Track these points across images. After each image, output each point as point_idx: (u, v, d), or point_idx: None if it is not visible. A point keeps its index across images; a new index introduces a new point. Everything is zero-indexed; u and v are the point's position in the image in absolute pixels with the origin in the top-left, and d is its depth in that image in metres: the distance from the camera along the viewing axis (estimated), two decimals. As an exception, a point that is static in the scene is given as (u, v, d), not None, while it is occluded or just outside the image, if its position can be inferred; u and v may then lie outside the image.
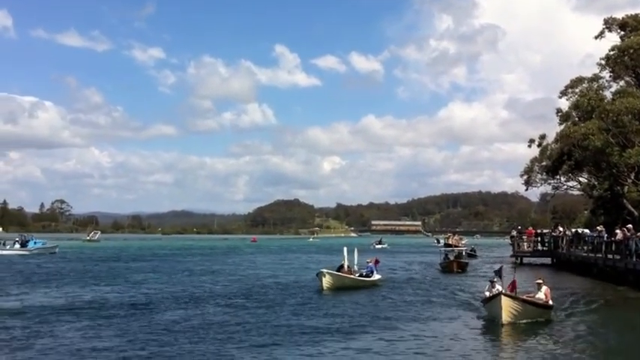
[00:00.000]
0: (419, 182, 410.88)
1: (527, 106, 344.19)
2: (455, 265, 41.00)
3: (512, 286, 19.44)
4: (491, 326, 18.01)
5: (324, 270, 28.27)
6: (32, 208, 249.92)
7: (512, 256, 52.86)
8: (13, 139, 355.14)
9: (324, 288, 27.15)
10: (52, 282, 31.75)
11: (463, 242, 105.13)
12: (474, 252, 43.78)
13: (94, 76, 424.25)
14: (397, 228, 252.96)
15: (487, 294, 19.62)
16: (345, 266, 29.94)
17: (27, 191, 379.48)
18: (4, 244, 62.62)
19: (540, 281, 19.79)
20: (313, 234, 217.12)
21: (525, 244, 51.02)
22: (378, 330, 17.45)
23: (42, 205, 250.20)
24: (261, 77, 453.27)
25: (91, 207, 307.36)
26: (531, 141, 55.20)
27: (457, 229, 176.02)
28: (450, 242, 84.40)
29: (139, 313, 20.29)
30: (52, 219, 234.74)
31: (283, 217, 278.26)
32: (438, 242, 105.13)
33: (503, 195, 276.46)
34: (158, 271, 40.76)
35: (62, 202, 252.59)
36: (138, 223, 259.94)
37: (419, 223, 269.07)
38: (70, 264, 47.18)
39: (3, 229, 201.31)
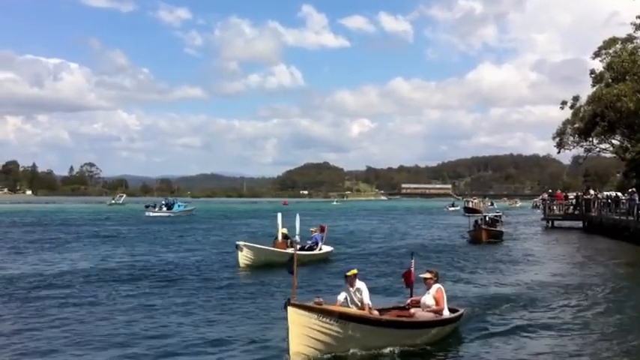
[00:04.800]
0: (449, 145, 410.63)
1: (556, 68, 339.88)
2: (484, 234, 33.65)
3: (407, 278, 12.41)
4: None
5: (241, 242, 22.81)
6: (61, 172, 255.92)
7: (543, 219, 52.68)
8: (40, 102, 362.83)
9: (241, 265, 22.03)
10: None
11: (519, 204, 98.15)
12: (499, 218, 41.09)
13: (118, 38, 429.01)
14: (427, 191, 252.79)
15: (340, 298, 11.07)
16: (279, 237, 23.82)
17: (55, 154, 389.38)
18: (153, 207, 74.28)
19: (428, 276, 11.55)
20: (343, 197, 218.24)
21: (556, 207, 50.71)
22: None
23: (71, 169, 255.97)
24: (288, 38, 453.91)
25: (119, 170, 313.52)
26: (564, 103, 54.44)
27: (488, 193, 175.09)
28: (471, 206, 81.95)
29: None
30: (81, 182, 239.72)
31: (313, 180, 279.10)
32: (453, 205, 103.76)
33: (535, 158, 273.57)
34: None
35: (91, 165, 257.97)
36: (167, 187, 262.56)
37: (449, 186, 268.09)
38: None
39: (32, 193, 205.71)
